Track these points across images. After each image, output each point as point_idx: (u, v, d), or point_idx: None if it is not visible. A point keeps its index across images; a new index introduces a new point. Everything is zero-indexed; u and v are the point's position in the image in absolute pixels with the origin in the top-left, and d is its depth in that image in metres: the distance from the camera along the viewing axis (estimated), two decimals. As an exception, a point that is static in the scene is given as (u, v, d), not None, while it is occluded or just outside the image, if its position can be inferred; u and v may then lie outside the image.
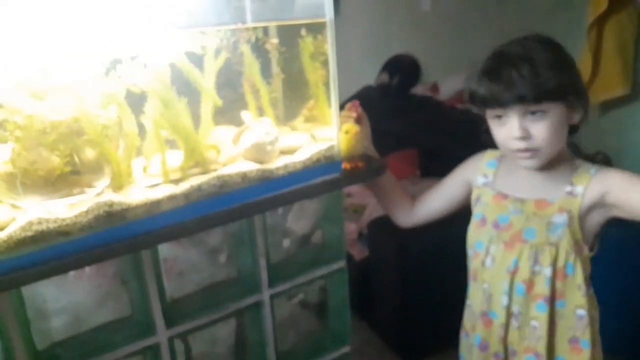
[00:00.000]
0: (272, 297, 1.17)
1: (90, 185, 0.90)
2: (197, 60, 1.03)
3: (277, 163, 1.05)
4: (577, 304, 1.12)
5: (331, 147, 1.12)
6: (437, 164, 2.75)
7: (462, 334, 1.30)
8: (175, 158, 1.00)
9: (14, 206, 0.85)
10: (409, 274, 2.01)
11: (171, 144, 1.01)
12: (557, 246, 1.08)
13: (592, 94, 2.23)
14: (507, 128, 1.04)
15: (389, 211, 1.35)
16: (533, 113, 1.01)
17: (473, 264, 1.22)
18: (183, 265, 1.19)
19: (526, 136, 1.03)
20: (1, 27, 0.79)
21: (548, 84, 1.00)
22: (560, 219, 1.08)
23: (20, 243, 0.80)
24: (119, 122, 0.92)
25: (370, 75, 3.30)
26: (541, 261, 1.10)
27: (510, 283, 1.12)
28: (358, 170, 1.17)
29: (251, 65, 1.13)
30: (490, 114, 1.08)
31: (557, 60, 1.03)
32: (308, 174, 1.09)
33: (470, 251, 1.24)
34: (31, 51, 0.84)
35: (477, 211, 1.21)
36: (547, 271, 1.10)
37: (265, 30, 1.15)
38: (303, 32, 1.12)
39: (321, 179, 1.11)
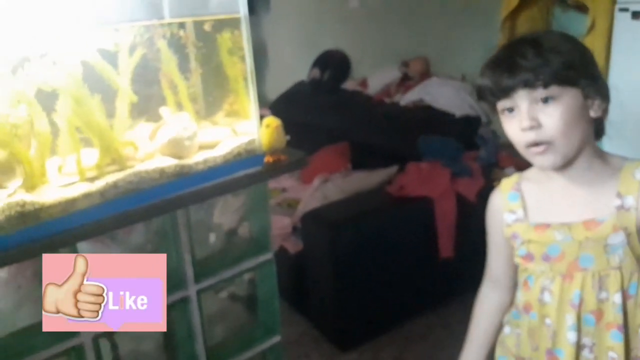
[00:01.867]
0: (198, 292, 1.18)
1: (1, 186, 0.89)
2: (112, 58, 1.03)
3: (197, 158, 1.06)
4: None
5: (252, 141, 1.14)
6: (368, 156, 2.83)
7: None
8: (92, 156, 0.99)
9: None
10: (341, 265, 2.05)
11: (88, 142, 1.00)
12: (621, 269, 0.97)
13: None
14: (517, 120, 0.93)
15: None
16: (544, 101, 0.91)
17: (524, 295, 1.08)
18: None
19: (535, 126, 0.92)
20: None
21: (554, 64, 0.91)
22: (617, 239, 0.95)
23: None
24: (29, 121, 0.91)
25: (302, 71, 3.33)
26: (608, 288, 0.98)
27: (577, 317, 1.00)
28: (280, 162, 1.19)
29: (168, 61, 1.13)
30: (500, 108, 0.96)
31: (564, 46, 0.94)
32: (229, 168, 1.11)
33: (520, 278, 1.09)
34: None
35: (519, 248, 1.06)
36: (617, 297, 0.98)
37: (182, 25, 1.16)
38: (217, 27, 1.13)
39: (243, 173, 1.13)
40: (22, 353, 0.98)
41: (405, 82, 3.12)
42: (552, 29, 2.30)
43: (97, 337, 1.05)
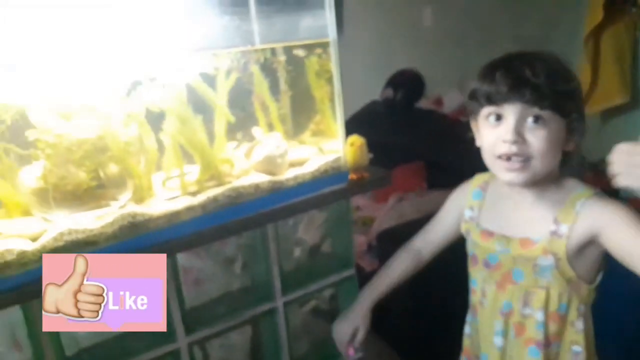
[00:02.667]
0: (285, 304, 1.22)
1: (114, 199, 0.97)
2: (210, 81, 1.11)
3: (287, 174, 1.11)
4: (572, 340, 1.04)
5: (338, 159, 1.18)
6: (443, 176, 2.80)
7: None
8: (192, 172, 1.06)
9: (44, 219, 0.92)
10: (419, 283, 2.05)
11: (187, 159, 1.08)
12: (548, 289, 1.00)
13: (592, 103, 2.29)
14: (501, 128, 0.94)
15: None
16: (535, 121, 0.92)
17: (472, 298, 1.14)
18: (200, 274, 1.24)
19: (518, 140, 0.92)
20: (32, 54, 0.86)
21: (558, 89, 0.92)
22: (546, 261, 0.98)
23: (52, 252, 0.86)
24: (139, 139, 0.99)
25: (374, 90, 3.37)
26: (532, 304, 1.02)
27: (505, 325, 1.05)
28: (364, 180, 1.23)
29: (260, 84, 1.20)
30: (485, 113, 0.97)
31: (568, 75, 0.96)
32: (317, 184, 1.15)
33: (470, 284, 1.15)
34: (59, 74, 0.91)
35: (469, 247, 1.13)
36: (539, 315, 1.02)
37: (273, 51, 1.22)
38: (306, 52, 1.19)
39: (329, 189, 1.17)
40: (125, 355, 1.05)
41: (482, 100, 3.08)
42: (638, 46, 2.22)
43: (192, 343, 1.12)
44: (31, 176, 0.92)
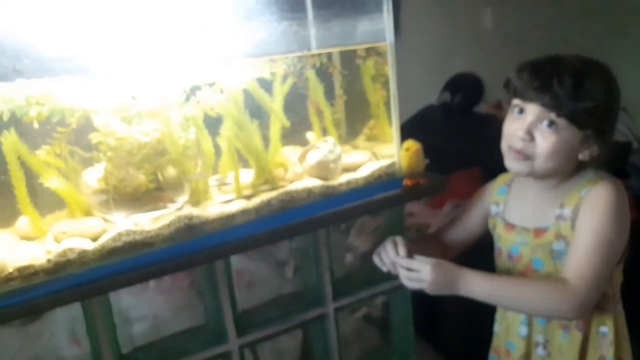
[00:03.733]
0: (336, 310, 1.21)
1: (171, 201, 0.99)
2: (267, 86, 1.11)
3: (340, 180, 1.11)
4: (598, 321, 1.08)
5: (392, 164, 1.16)
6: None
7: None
8: (247, 176, 1.07)
9: (104, 219, 0.95)
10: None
11: (243, 162, 1.09)
12: None
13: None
14: (518, 123, 1.01)
15: None
16: (549, 125, 0.98)
17: None
18: (252, 277, 1.25)
19: (527, 139, 0.99)
20: (97, 59, 0.89)
21: (579, 106, 0.96)
22: (559, 246, 1.04)
23: (111, 252, 0.89)
24: (197, 142, 1.01)
25: (431, 95, 3.31)
26: None
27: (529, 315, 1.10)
28: (419, 186, 1.20)
29: (316, 89, 1.20)
30: (514, 104, 1.03)
31: (596, 91, 0.97)
32: (370, 190, 1.13)
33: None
34: (122, 79, 0.94)
35: (495, 241, 1.18)
36: None
37: (329, 55, 1.22)
38: (363, 56, 1.18)
39: (383, 195, 1.15)
40: (178, 354, 1.07)
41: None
42: None
43: (244, 345, 1.12)
44: (93, 178, 0.95)
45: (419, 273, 1.00)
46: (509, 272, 1.12)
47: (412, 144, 1.21)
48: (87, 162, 0.96)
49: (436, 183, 1.23)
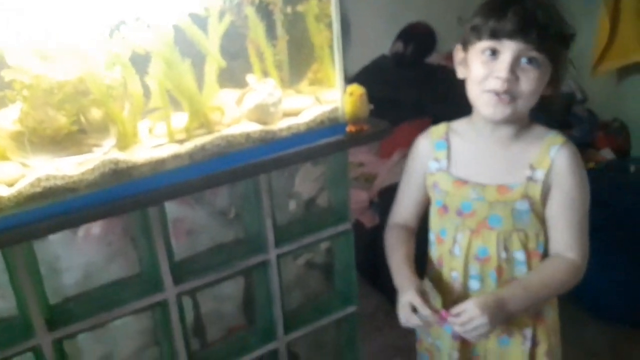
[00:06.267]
0: (278, 256, 1.19)
1: (97, 145, 0.93)
2: (202, 23, 1.04)
3: (280, 124, 1.07)
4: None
5: (335, 109, 1.13)
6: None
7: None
8: (181, 119, 1.02)
9: (23, 164, 0.88)
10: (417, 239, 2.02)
11: (176, 106, 1.03)
12: (526, 231, 1.05)
13: (608, 59, 2.19)
14: (496, 63, 0.96)
15: None
16: (529, 61, 0.95)
17: (438, 250, 1.14)
18: (192, 225, 1.22)
19: (512, 79, 0.95)
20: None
21: (556, 37, 0.96)
22: (524, 206, 1.03)
23: (29, 198, 0.83)
24: (123, 82, 0.94)
25: (386, 44, 3.26)
26: (511, 247, 1.06)
27: (481, 270, 1.08)
28: (363, 132, 1.17)
29: (255, 28, 1.13)
30: (481, 47, 0.98)
31: (567, 22, 0.99)
32: (312, 135, 1.10)
33: (432, 236, 1.16)
34: (37, 13, 0.86)
35: (437, 198, 1.12)
36: (519, 255, 1.06)
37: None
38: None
39: (325, 141, 1.12)
40: (112, 304, 1.04)
41: (494, 56, 2.98)
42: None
43: (181, 294, 1.10)
44: (8, 119, 0.87)
45: (472, 323, 0.97)
46: (456, 229, 1.09)
47: (356, 89, 1.17)
48: (1, 103, 0.88)
49: (380, 129, 1.20)
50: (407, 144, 2.70)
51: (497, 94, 0.96)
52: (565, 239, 1.04)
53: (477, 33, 0.98)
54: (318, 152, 1.12)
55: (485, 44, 0.97)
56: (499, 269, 1.07)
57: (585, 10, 2.07)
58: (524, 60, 0.95)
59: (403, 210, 1.20)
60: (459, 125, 1.13)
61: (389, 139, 3.18)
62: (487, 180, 1.06)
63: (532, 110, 1.03)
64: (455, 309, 0.99)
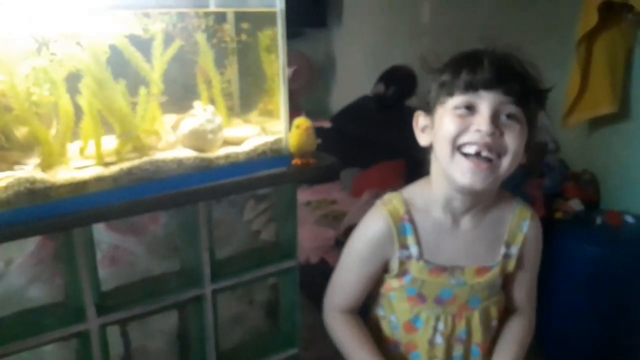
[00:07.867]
0: (214, 292, 1.14)
1: (18, 163, 0.89)
2: (146, 45, 1.02)
3: (219, 152, 1.03)
4: None
5: (278, 140, 1.10)
6: (420, 174, 2.73)
7: None
8: (113, 142, 0.98)
9: None
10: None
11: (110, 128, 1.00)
12: (498, 298, 1.04)
13: (579, 111, 2.20)
14: (474, 117, 0.85)
15: None
16: (508, 117, 0.85)
17: (407, 337, 1.02)
18: (125, 254, 1.17)
19: (496, 133, 0.84)
20: None
21: (536, 85, 0.88)
22: (499, 280, 1.02)
23: None
24: (53, 101, 0.91)
25: (369, 85, 3.29)
26: (489, 320, 1.03)
27: (465, 350, 1.02)
28: (309, 166, 1.14)
29: (205, 55, 1.12)
30: (454, 103, 0.86)
31: (542, 78, 0.90)
32: (252, 166, 1.07)
33: (394, 320, 1.03)
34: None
35: (407, 286, 0.99)
36: (495, 322, 1.05)
37: (223, 18, 1.14)
38: (254, 23, 1.11)
39: (267, 172, 1.09)
40: (27, 333, 0.98)
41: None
42: (634, 56, 2.13)
43: (105, 324, 1.04)
44: None
45: None
46: (436, 319, 0.99)
47: (303, 121, 1.15)
48: None
49: (327, 164, 1.17)
50: (380, 184, 2.68)
51: (477, 154, 0.84)
52: (523, 296, 1.06)
53: (447, 89, 0.87)
54: (259, 183, 1.09)
55: (458, 99, 0.86)
56: (483, 345, 1.03)
57: (558, 63, 2.09)
58: (503, 117, 0.85)
59: (349, 297, 1.04)
60: (416, 197, 0.99)
61: (363, 179, 3.16)
62: (465, 262, 0.97)
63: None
64: None
